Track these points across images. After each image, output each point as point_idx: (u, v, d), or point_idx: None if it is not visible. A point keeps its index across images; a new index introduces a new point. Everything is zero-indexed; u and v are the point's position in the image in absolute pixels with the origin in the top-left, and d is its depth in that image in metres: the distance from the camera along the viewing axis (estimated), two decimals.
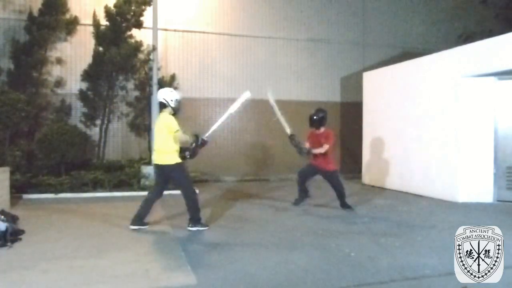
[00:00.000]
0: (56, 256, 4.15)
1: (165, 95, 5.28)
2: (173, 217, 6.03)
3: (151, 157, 9.17)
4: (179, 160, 5.19)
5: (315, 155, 6.46)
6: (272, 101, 6.65)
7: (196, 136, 5.35)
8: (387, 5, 12.30)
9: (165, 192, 8.15)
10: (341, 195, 6.62)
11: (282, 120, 6.55)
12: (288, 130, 6.49)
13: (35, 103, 8.75)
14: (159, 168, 5.32)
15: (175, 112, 5.34)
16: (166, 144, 5.14)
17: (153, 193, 5.47)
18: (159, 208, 6.76)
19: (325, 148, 6.35)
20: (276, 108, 6.59)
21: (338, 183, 6.61)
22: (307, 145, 6.55)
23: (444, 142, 7.75)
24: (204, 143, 5.37)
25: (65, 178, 8.17)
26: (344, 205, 6.64)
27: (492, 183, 7.35)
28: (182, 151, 5.26)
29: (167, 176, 5.32)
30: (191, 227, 5.24)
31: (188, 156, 5.28)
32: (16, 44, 8.92)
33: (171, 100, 5.23)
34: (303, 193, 6.94)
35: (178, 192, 8.31)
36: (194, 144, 5.28)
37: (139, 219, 5.30)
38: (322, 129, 6.54)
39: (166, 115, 5.23)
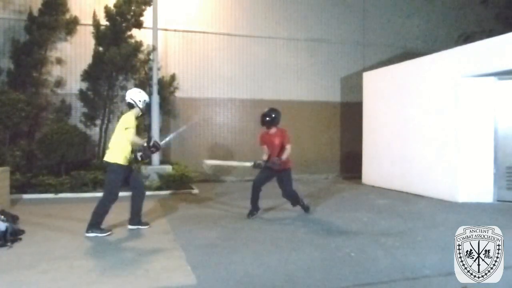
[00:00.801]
0: (56, 256, 4.15)
1: (133, 95, 5.21)
2: (173, 217, 6.03)
3: (151, 157, 9.21)
4: (119, 162, 5.00)
5: (269, 158, 6.00)
6: (215, 163, 6.69)
7: (149, 138, 5.33)
8: (387, 5, 12.30)
9: (166, 193, 8.30)
10: (294, 197, 6.27)
11: (235, 164, 6.54)
12: (249, 164, 6.09)
13: (35, 103, 8.75)
14: (104, 165, 5.30)
15: (143, 113, 5.33)
16: (116, 142, 5.07)
17: (134, 192, 5.32)
18: (159, 208, 6.77)
19: (289, 149, 5.99)
20: (222, 164, 6.57)
21: (288, 183, 6.14)
22: (265, 156, 6.07)
23: (444, 142, 7.75)
24: (156, 147, 5.26)
25: (65, 178, 8.17)
26: (297, 204, 6.31)
27: (492, 183, 7.35)
28: (134, 152, 5.15)
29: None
30: (87, 232, 4.95)
31: (140, 158, 5.21)
32: (16, 44, 8.92)
33: (139, 101, 5.17)
34: (256, 207, 6.27)
35: (179, 192, 8.42)
36: (148, 145, 5.21)
37: (135, 219, 5.31)
38: (274, 129, 6.10)
39: (128, 114, 5.16)
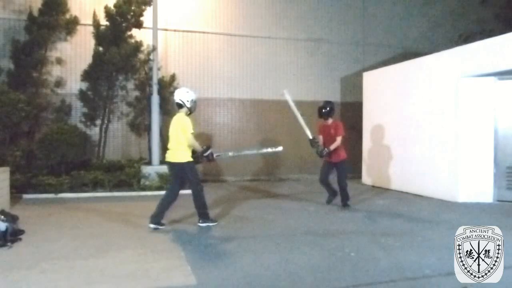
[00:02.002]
0: (56, 256, 4.15)
1: (182, 95, 5.40)
2: (173, 217, 6.03)
3: (151, 157, 9.23)
4: (190, 159, 5.31)
5: (331, 152, 6.62)
6: (290, 102, 6.80)
7: (208, 148, 5.49)
8: (387, 5, 12.29)
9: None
10: (342, 189, 6.77)
11: (303, 122, 6.71)
12: (309, 134, 6.67)
13: (35, 103, 8.74)
14: (171, 166, 5.44)
15: (191, 112, 5.49)
16: (179, 143, 5.28)
17: (168, 192, 5.52)
18: None
19: (338, 141, 6.62)
20: (295, 110, 6.74)
21: (342, 174, 6.74)
22: (321, 142, 6.73)
23: (444, 142, 7.75)
24: (208, 158, 5.48)
25: (65, 178, 8.18)
26: (344, 202, 6.82)
27: (492, 183, 7.35)
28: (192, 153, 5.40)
29: (179, 173, 5.40)
30: (201, 223, 5.45)
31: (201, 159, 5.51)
32: (16, 44, 8.91)
33: (187, 101, 5.36)
34: (332, 192, 6.99)
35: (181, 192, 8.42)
36: (202, 154, 5.40)
37: (156, 218, 5.32)
38: (330, 120, 6.79)
39: (182, 115, 5.37)
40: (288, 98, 6.80)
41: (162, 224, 5.34)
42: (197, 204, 5.45)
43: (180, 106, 5.40)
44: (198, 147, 5.38)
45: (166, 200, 5.42)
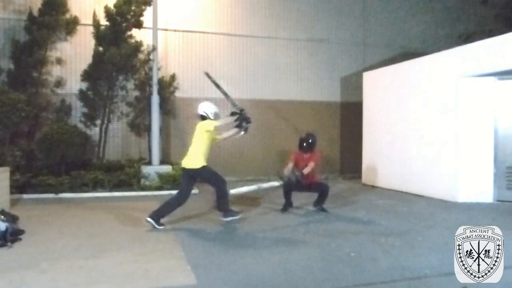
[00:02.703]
0: (56, 256, 4.15)
1: (206, 108, 5.71)
2: (173, 217, 6.03)
3: (151, 157, 9.23)
4: (204, 164, 5.48)
5: (306, 177, 6.25)
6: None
7: (240, 111, 5.65)
8: (387, 5, 12.30)
9: (166, 193, 8.30)
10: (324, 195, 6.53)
11: (265, 185, 6.77)
12: (277, 183, 6.55)
13: (35, 103, 8.74)
14: (185, 171, 5.56)
15: None
16: (197, 149, 5.50)
17: (178, 195, 5.57)
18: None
19: (311, 166, 6.24)
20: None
21: (324, 188, 6.50)
22: (290, 167, 6.36)
23: (444, 142, 7.75)
24: (247, 120, 5.65)
25: (65, 178, 8.17)
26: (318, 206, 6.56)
27: (492, 183, 7.35)
28: (239, 126, 5.62)
29: (192, 179, 5.56)
30: (224, 217, 5.62)
31: (244, 131, 5.67)
32: (16, 44, 8.91)
33: (211, 113, 5.68)
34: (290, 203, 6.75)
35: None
36: (237, 114, 5.63)
37: (157, 215, 5.35)
38: (308, 154, 6.46)
39: (203, 121, 5.62)
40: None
41: (161, 224, 5.33)
42: (220, 201, 5.62)
43: (203, 118, 5.66)
44: (226, 120, 5.68)
45: (175, 202, 5.48)
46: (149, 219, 5.28)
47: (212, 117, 5.64)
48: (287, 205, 6.65)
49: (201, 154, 5.47)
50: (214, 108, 5.75)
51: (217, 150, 10.63)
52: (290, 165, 6.39)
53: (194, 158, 5.47)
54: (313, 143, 6.48)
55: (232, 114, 5.71)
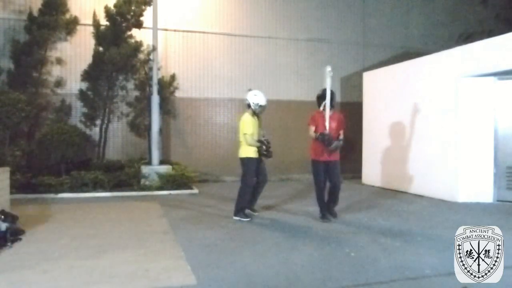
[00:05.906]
0: (56, 256, 4.15)
1: (249, 97, 5.93)
2: (173, 217, 6.04)
3: (151, 157, 9.23)
4: (249, 155, 5.79)
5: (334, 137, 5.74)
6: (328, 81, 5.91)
7: (261, 142, 5.90)
8: (387, 5, 12.30)
9: (166, 193, 8.31)
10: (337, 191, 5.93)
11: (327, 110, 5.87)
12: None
13: (35, 103, 8.74)
14: (240, 160, 5.93)
15: (255, 113, 5.98)
16: (241, 141, 5.89)
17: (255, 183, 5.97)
18: (159, 208, 6.77)
19: (342, 134, 6.17)
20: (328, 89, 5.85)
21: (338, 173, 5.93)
22: (312, 131, 5.89)
23: (444, 142, 7.75)
24: (269, 153, 5.92)
25: (65, 178, 8.17)
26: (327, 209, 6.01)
27: (492, 183, 7.35)
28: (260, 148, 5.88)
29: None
30: (234, 215, 5.89)
31: (263, 154, 5.92)
32: (16, 44, 8.91)
33: (252, 103, 5.89)
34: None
35: (179, 192, 8.43)
36: (260, 145, 5.89)
37: (239, 210, 5.86)
38: (332, 111, 5.90)
39: (245, 115, 5.93)
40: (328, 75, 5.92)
41: (254, 210, 6.06)
42: (238, 199, 5.88)
43: (248, 106, 5.94)
44: (255, 144, 5.82)
45: (243, 191, 5.85)
46: (235, 217, 5.83)
47: (252, 107, 5.86)
48: (324, 210, 5.88)
49: (244, 145, 5.82)
50: (257, 99, 5.89)
51: (217, 150, 10.66)
52: (312, 129, 5.86)
53: (241, 148, 5.88)
54: (331, 98, 5.88)
55: (259, 141, 5.91)
